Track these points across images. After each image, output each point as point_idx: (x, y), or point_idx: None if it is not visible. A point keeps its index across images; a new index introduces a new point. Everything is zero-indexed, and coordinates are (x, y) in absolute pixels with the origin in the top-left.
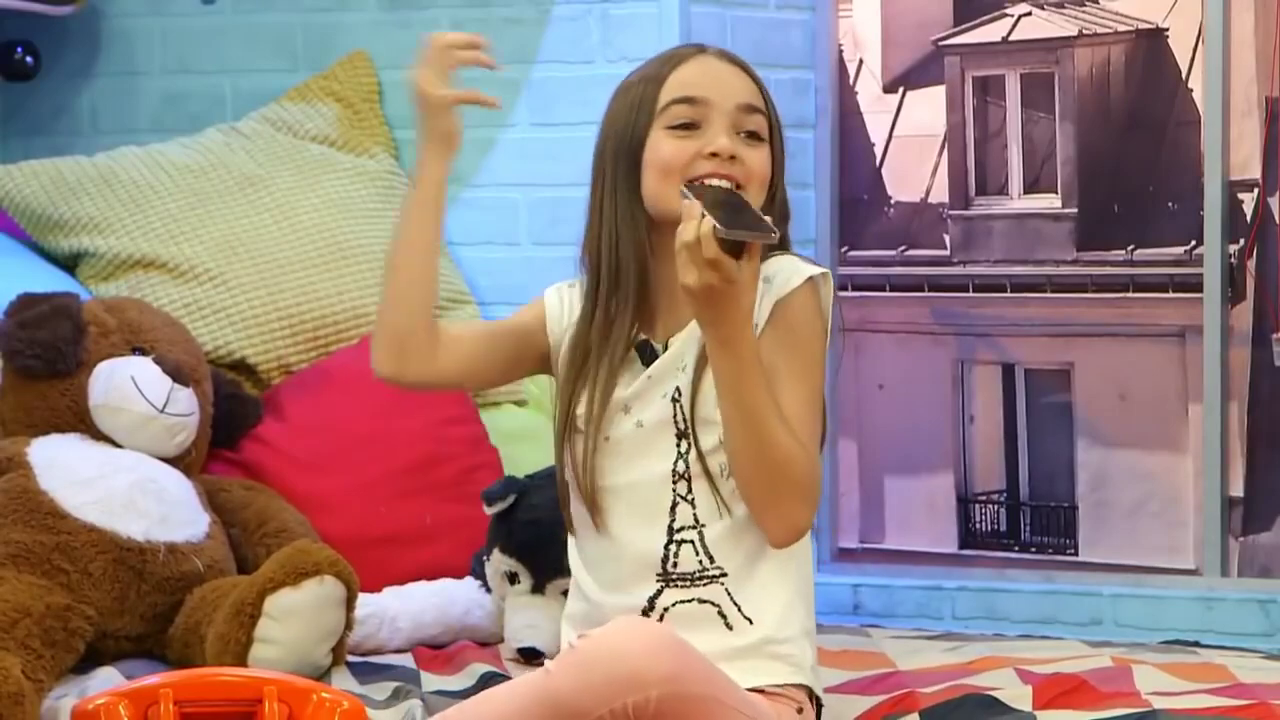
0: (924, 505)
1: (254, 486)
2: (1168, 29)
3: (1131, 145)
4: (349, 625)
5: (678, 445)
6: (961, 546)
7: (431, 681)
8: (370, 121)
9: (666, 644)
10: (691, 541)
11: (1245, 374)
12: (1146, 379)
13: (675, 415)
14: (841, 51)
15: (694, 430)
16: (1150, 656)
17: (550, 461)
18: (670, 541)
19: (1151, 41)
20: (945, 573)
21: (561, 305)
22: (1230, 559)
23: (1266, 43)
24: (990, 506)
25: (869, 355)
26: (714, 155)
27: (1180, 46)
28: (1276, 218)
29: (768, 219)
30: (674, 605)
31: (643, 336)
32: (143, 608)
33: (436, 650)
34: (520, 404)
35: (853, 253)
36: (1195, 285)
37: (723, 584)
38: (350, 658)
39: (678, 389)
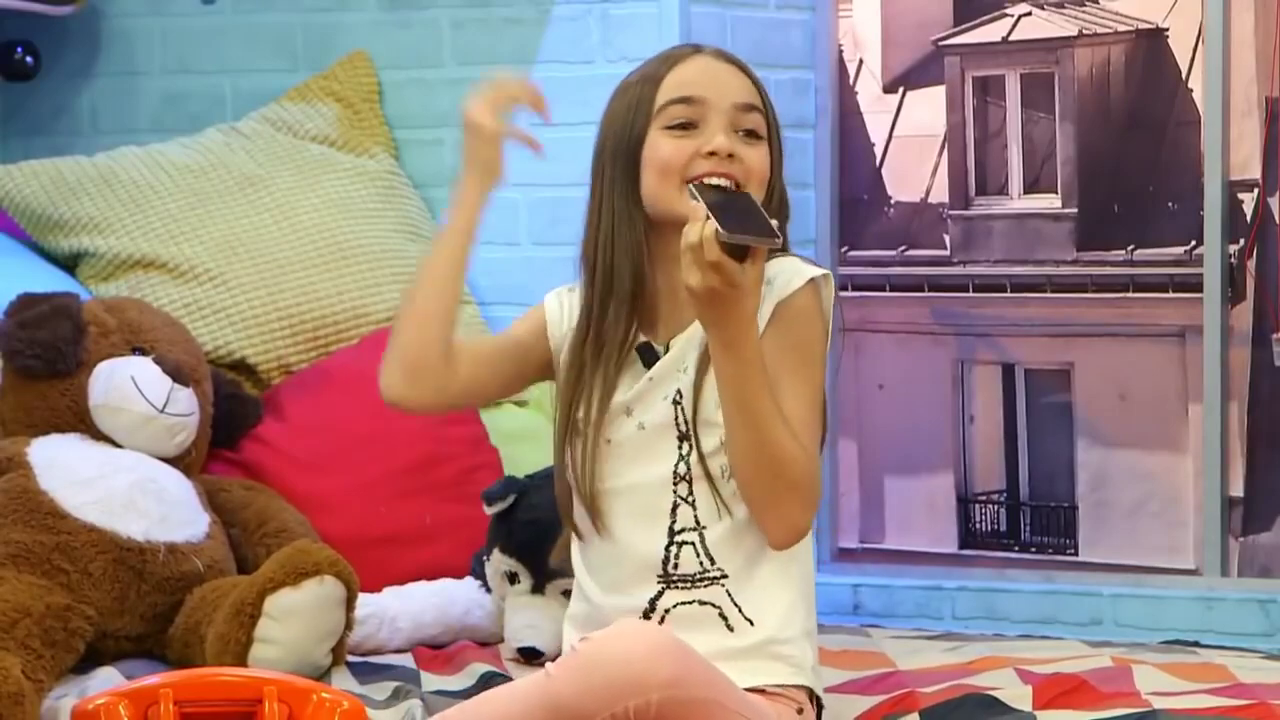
0: (924, 505)
1: (254, 486)
2: (1168, 29)
3: (1131, 145)
4: (349, 625)
5: (679, 447)
6: (961, 546)
7: (431, 681)
8: (370, 121)
9: (667, 648)
10: (692, 543)
11: (1245, 374)
12: (1146, 379)
13: (677, 417)
14: (841, 51)
15: (695, 432)
16: (1150, 656)
17: (550, 461)
18: (671, 543)
19: (1151, 41)
20: (945, 573)
21: (561, 310)
22: (1230, 559)
23: (1266, 43)
24: (990, 506)
25: (869, 355)
26: (712, 154)
27: (1180, 46)
28: (1276, 218)
29: (775, 223)
30: (675, 607)
31: (644, 338)
32: (143, 608)
33: (436, 650)
34: (520, 404)
35: (853, 253)
36: (1195, 285)
37: (723, 585)
38: (350, 658)
39: (679, 391)
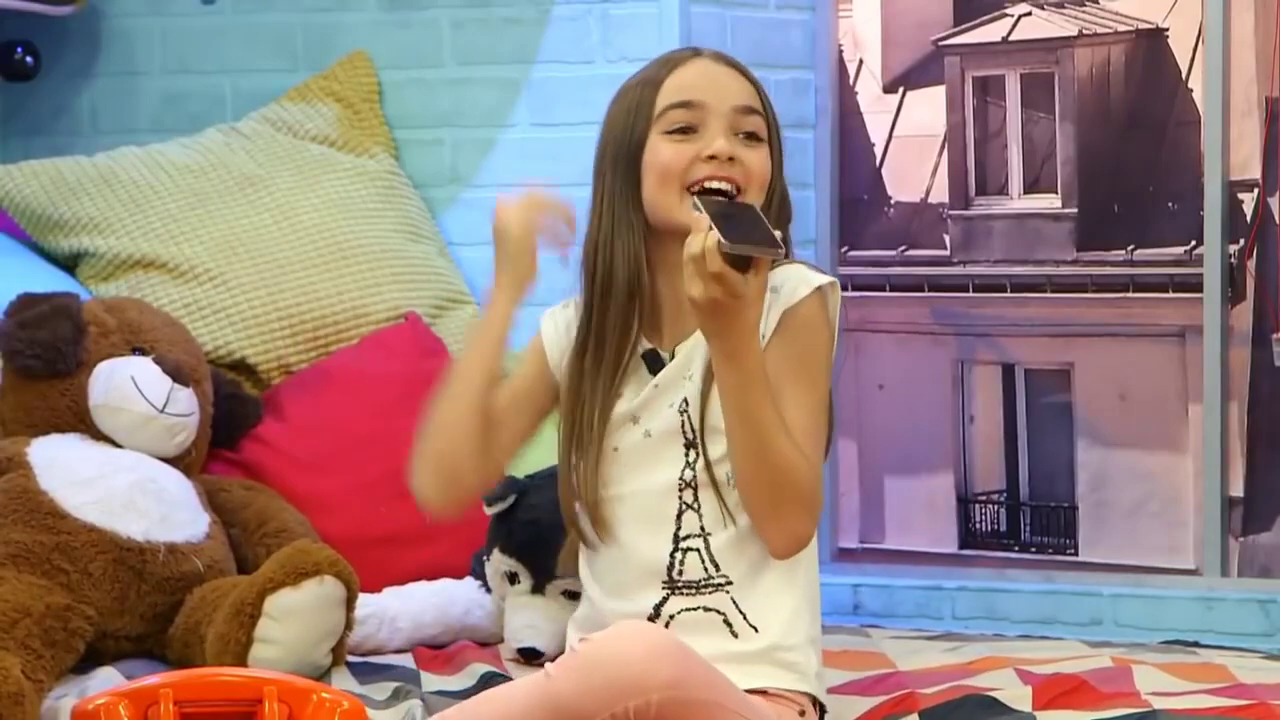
0: (924, 505)
1: (254, 486)
2: (1168, 29)
3: (1131, 145)
4: (349, 625)
5: (685, 454)
6: (961, 546)
7: (432, 682)
8: (370, 121)
9: (668, 648)
10: (697, 549)
11: (1245, 374)
12: (1146, 379)
13: (683, 425)
14: (841, 51)
15: (703, 440)
16: (1150, 657)
17: (551, 461)
18: (676, 549)
19: (1151, 41)
20: (945, 573)
21: (556, 329)
22: (1230, 559)
23: (1266, 43)
24: (990, 506)
25: (869, 355)
26: (712, 158)
27: (1180, 46)
28: (1276, 218)
29: (778, 233)
30: (679, 613)
31: (649, 345)
32: (143, 608)
33: (436, 650)
34: None
35: (853, 253)
36: (1195, 285)
37: (728, 592)
38: (350, 658)
39: (685, 399)
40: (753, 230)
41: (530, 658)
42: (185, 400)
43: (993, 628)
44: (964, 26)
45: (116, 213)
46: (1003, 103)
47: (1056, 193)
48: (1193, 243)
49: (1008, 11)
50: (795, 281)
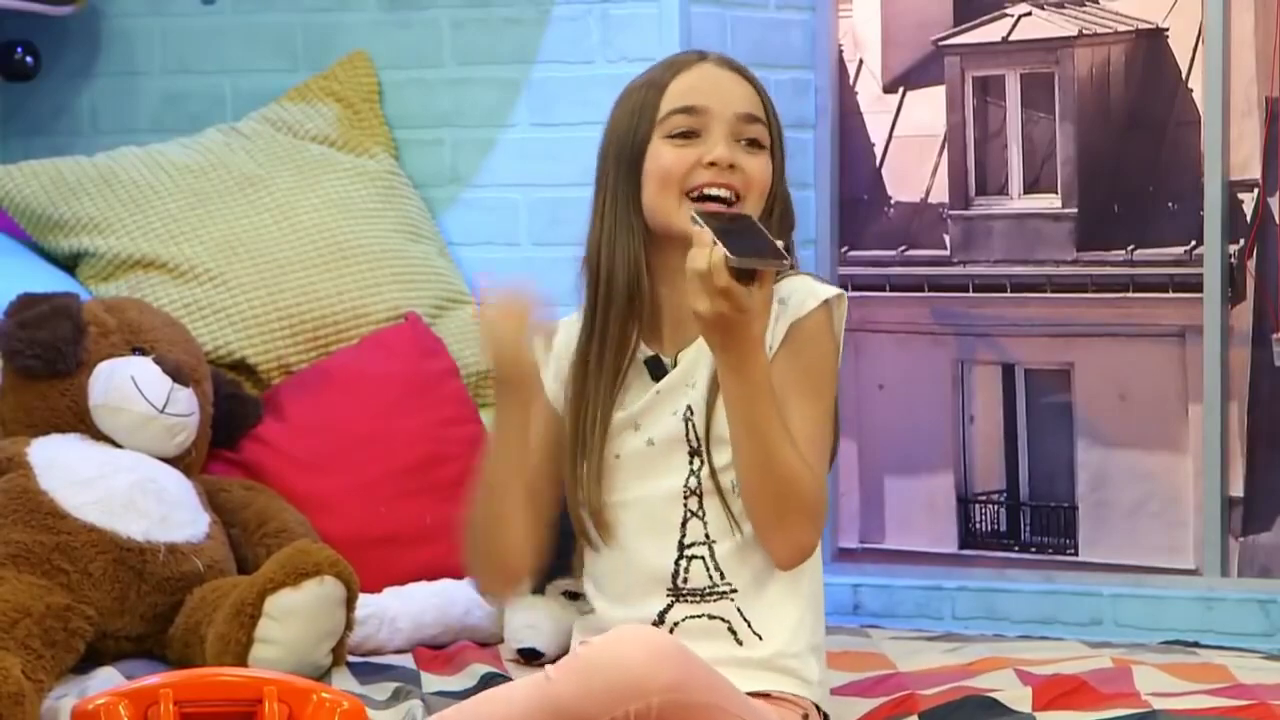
0: (924, 505)
1: (254, 486)
2: (1168, 29)
3: (1131, 145)
4: (349, 625)
5: (690, 462)
6: (961, 546)
7: (432, 682)
8: (370, 121)
9: (668, 651)
10: (702, 557)
11: (1245, 374)
12: (1146, 379)
13: (687, 433)
14: (841, 51)
15: (708, 448)
16: (1150, 657)
17: None
18: (681, 557)
19: (1151, 41)
20: (945, 573)
21: (555, 357)
22: (1230, 559)
23: (1266, 43)
24: (990, 506)
25: (869, 355)
26: (712, 164)
27: (1180, 46)
28: (1276, 218)
29: (780, 243)
30: (684, 620)
31: (650, 351)
32: (143, 608)
33: (436, 650)
34: None
35: (853, 253)
36: (1195, 285)
37: (733, 600)
38: (350, 658)
39: (689, 407)
40: (756, 242)
41: (530, 658)
42: (185, 400)
43: (993, 628)
44: (964, 26)
45: (116, 213)
46: (1003, 103)
47: (1056, 193)
48: (1193, 243)
49: (1008, 11)
50: (803, 294)
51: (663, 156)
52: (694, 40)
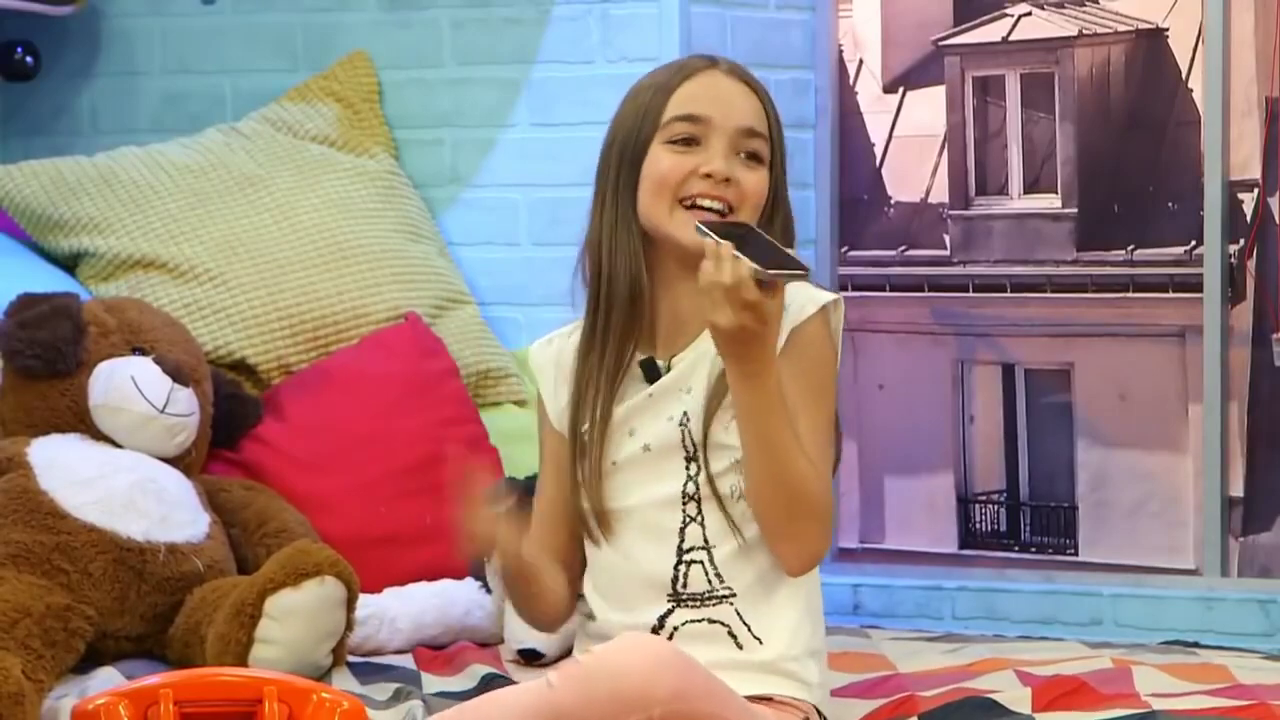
0: (924, 505)
1: (254, 486)
2: (1168, 29)
3: (1131, 145)
4: (349, 626)
5: (686, 468)
6: (961, 546)
7: (432, 683)
8: (370, 121)
9: (670, 661)
10: (701, 562)
11: (1245, 374)
12: (1146, 379)
13: (683, 439)
14: (841, 51)
15: (705, 455)
16: (1150, 657)
17: None
18: (680, 562)
19: (1151, 41)
20: (945, 573)
21: (549, 357)
22: (1230, 559)
23: (1266, 43)
24: (990, 506)
25: (869, 355)
26: (708, 176)
27: (1180, 46)
28: (1276, 218)
29: (790, 251)
30: (684, 624)
31: (644, 354)
32: (143, 608)
33: (437, 651)
34: (520, 404)
35: (853, 253)
36: (1195, 285)
37: (732, 604)
38: (351, 658)
39: (685, 413)
40: (770, 252)
41: (530, 659)
42: (185, 400)
43: (993, 628)
44: (964, 26)
45: (116, 213)
46: (1003, 103)
47: (1056, 193)
48: (1193, 243)
49: (1008, 11)
50: (802, 299)
51: (661, 162)
52: (694, 40)
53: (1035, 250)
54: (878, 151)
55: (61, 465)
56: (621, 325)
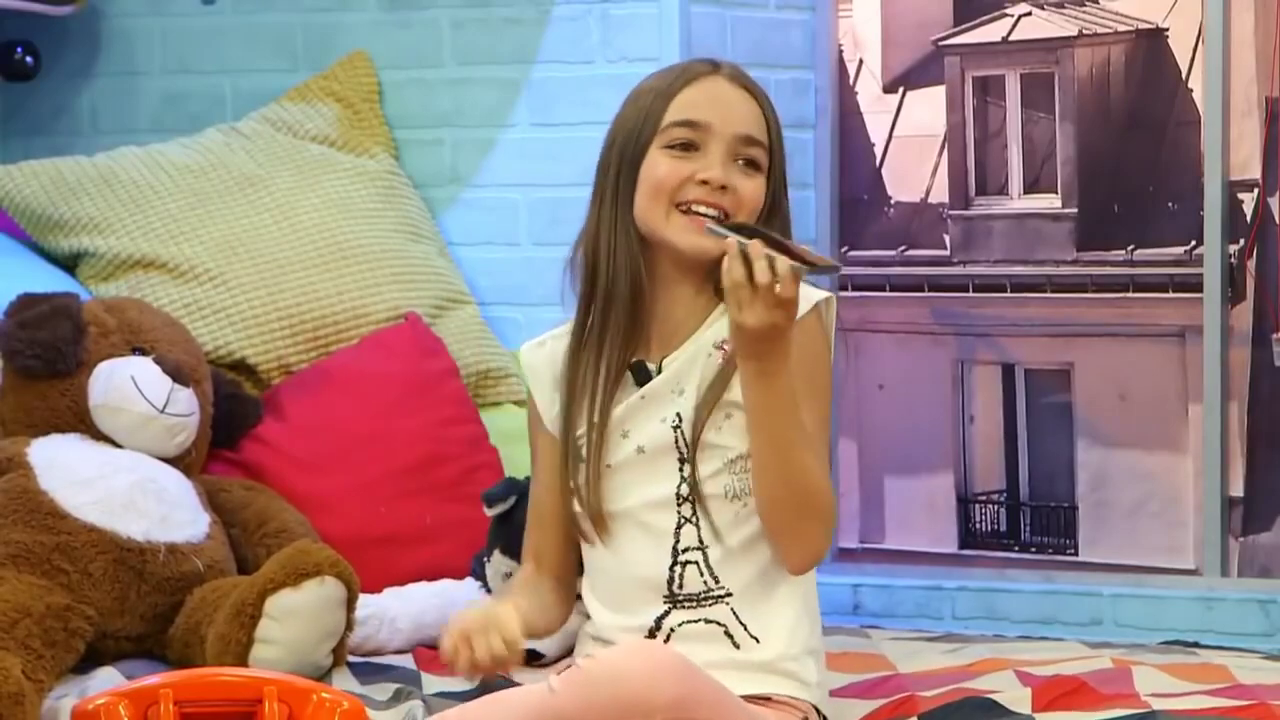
0: (924, 505)
1: (254, 486)
2: (1168, 29)
3: (1131, 145)
4: (349, 626)
5: (680, 469)
6: (961, 546)
7: (432, 683)
8: (370, 121)
9: (672, 667)
10: (696, 562)
11: (1245, 374)
12: (1146, 379)
13: (677, 440)
14: (841, 51)
15: (693, 456)
16: (1150, 657)
17: None
18: (675, 563)
19: (1151, 41)
20: (945, 573)
21: (542, 360)
22: (1230, 559)
23: (1266, 43)
24: (990, 506)
25: (869, 355)
26: (705, 183)
27: (1180, 46)
28: (1276, 218)
29: (806, 246)
30: (681, 625)
31: (636, 356)
32: (143, 608)
33: (437, 651)
34: (520, 404)
35: (853, 253)
36: (1195, 285)
37: (728, 604)
38: (351, 658)
39: (677, 415)
40: (789, 249)
41: (531, 659)
42: (185, 400)
43: (993, 628)
44: (964, 26)
45: (116, 213)
46: (1003, 103)
47: (1056, 193)
48: (1193, 243)
49: (1008, 11)
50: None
51: (658, 166)
52: (694, 40)
53: (1035, 250)
54: (878, 151)
55: (61, 465)
56: (622, 326)
